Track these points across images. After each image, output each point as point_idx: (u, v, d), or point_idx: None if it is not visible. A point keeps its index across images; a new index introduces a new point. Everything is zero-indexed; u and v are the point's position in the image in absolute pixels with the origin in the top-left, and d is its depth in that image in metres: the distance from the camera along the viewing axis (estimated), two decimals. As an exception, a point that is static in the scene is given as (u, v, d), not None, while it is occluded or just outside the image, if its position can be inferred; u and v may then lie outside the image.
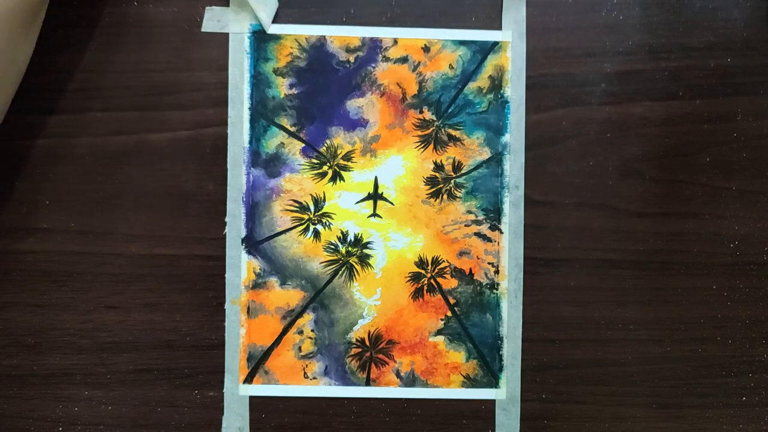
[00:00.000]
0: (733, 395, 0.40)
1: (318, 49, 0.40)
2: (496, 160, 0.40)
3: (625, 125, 0.40)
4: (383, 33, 0.40)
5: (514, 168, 0.40)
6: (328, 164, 0.40)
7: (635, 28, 0.40)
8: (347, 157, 0.40)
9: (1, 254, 0.40)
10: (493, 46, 0.40)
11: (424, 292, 0.40)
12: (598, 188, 0.40)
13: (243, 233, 0.40)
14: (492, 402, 0.40)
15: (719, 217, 0.40)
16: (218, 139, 0.40)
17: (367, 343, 0.40)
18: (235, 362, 0.40)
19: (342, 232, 0.40)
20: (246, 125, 0.40)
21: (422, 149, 0.40)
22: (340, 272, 0.40)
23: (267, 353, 0.40)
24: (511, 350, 0.40)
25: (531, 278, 0.40)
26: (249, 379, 0.40)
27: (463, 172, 0.40)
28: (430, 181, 0.40)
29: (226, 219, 0.40)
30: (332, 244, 0.40)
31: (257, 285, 0.40)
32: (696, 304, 0.40)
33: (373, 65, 0.40)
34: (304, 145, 0.40)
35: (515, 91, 0.40)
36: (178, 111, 0.40)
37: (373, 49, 0.40)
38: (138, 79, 0.40)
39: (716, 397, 0.40)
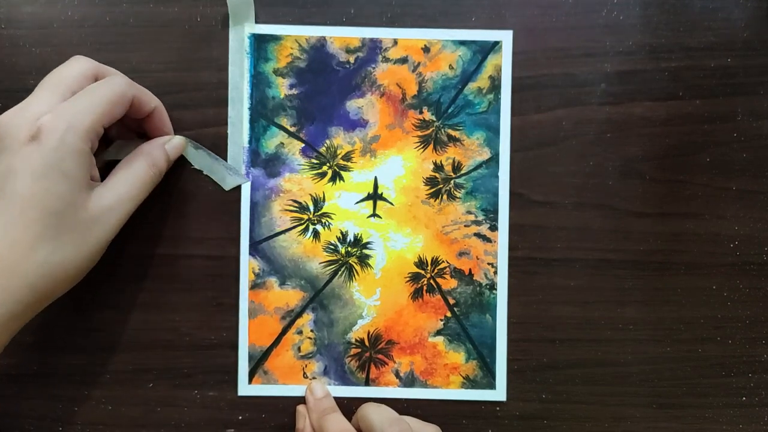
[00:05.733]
0: (733, 395, 0.40)
1: (318, 49, 0.40)
2: (496, 160, 0.40)
3: (625, 125, 0.40)
4: (383, 33, 0.40)
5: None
6: (327, 164, 0.40)
7: (635, 28, 0.40)
8: (347, 157, 0.40)
9: (1, 254, 0.40)
10: (493, 46, 0.40)
11: (424, 292, 0.40)
12: (598, 188, 0.40)
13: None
14: (492, 402, 0.40)
15: (719, 217, 0.40)
16: (218, 139, 0.40)
17: (367, 343, 0.40)
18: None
19: (341, 233, 0.40)
20: (246, 125, 0.40)
21: (422, 150, 0.40)
22: (340, 272, 0.40)
23: (266, 353, 0.40)
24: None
25: (531, 278, 0.40)
26: (248, 380, 0.40)
27: (462, 172, 0.40)
28: (430, 182, 0.40)
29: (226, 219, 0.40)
30: (332, 245, 0.40)
31: (256, 285, 0.40)
32: (696, 304, 0.40)
33: (373, 66, 0.40)
34: (303, 145, 0.40)
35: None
36: (178, 111, 0.40)
37: (373, 49, 0.40)
38: (138, 79, 0.39)
39: (716, 397, 0.40)
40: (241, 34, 0.40)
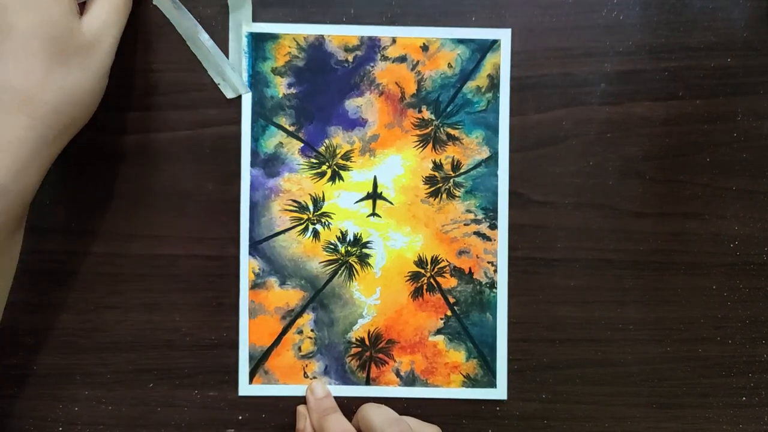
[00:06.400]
0: (733, 395, 0.40)
1: (316, 48, 0.40)
2: (495, 159, 0.40)
3: (625, 125, 0.40)
4: (381, 32, 0.40)
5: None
6: (327, 164, 0.40)
7: (635, 28, 0.40)
8: (346, 156, 0.40)
9: (2, 254, 0.40)
10: (492, 45, 0.40)
11: (424, 291, 0.40)
12: (598, 188, 0.40)
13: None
14: (492, 402, 0.40)
15: (719, 217, 0.40)
16: (218, 139, 0.40)
17: (367, 342, 0.40)
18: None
19: (341, 232, 0.40)
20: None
21: (421, 148, 0.40)
22: (340, 272, 0.40)
23: (267, 353, 0.40)
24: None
25: (531, 278, 0.40)
26: (249, 379, 0.40)
27: (462, 171, 0.40)
28: (429, 181, 0.40)
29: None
30: (331, 244, 0.40)
31: (256, 285, 0.40)
32: (696, 304, 0.40)
33: (372, 64, 0.40)
34: (302, 144, 0.40)
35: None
36: (178, 111, 0.40)
37: (372, 48, 0.40)
38: (138, 79, 0.40)
39: (716, 397, 0.40)
40: (239, 33, 0.40)
